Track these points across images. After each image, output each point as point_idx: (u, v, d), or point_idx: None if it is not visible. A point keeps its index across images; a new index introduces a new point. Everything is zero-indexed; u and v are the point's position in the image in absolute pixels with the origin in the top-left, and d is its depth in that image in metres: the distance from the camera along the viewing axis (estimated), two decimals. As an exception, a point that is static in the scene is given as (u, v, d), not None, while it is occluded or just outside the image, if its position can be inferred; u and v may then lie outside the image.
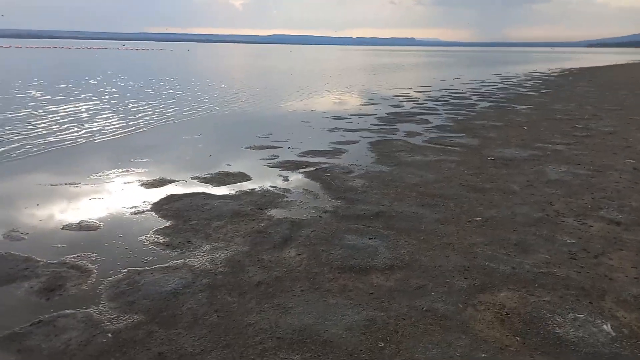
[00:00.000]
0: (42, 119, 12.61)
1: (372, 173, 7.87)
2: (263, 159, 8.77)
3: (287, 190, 6.88)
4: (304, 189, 6.95)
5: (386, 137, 11.08)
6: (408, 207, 6.20)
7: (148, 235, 5.22)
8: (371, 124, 12.89)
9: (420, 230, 5.41)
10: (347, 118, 13.89)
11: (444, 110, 15.97)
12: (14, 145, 9.53)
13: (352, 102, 18.35)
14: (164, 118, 13.47)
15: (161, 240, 5.09)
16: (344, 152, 9.42)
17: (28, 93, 18.51)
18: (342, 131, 11.76)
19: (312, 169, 8.11)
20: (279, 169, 8.09)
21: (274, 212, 5.98)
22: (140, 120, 12.94)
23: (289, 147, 9.77)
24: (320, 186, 7.14)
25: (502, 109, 16.44)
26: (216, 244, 5.04)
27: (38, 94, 18.39)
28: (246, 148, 9.73)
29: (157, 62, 50.62)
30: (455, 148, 9.83)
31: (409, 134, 11.50)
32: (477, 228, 5.51)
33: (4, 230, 5.30)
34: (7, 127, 11.32)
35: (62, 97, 17.42)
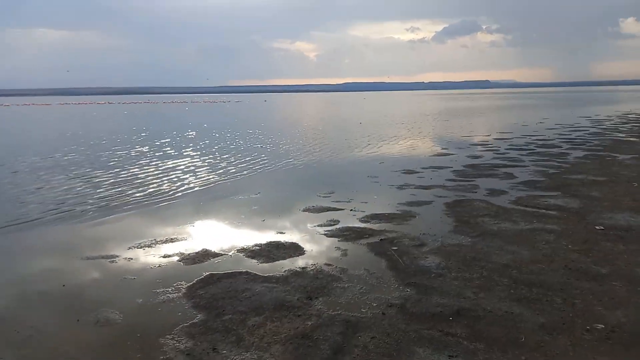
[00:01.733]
0: (102, 177, 12.59)
1: (449, 247, 6.51)
2: (321, 225, 7.72)
3: (344, 271, 5.72)
4: (365, 269, 5.76)
5: (464, 196, 9.64)
6: (499, 302, 4.78)
7: (169, 337, 4.26)
8: (446, 179, 11.50)
9: (520, 344, 3.99)
10: (418, 172, 12.61)
11: (530, 161, 14.18)
12: (70, 202, 9.28)
13: (425, 152, 17.05)
14: (227, 174, 12.99)
15: (182, 347, 4.10)
16: (415, 217, 8.13)
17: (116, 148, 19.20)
18: (413, 188, 10.48)
19: (376, 239, 6.91)
20: (337, 239, 6.97)
21: (326, 305, 4.82)
22: (206, 178, 12.53)
23: (351, 210, 8.66)
24: (386, 264, 5.91)
25: (600, 159, 14.32)
26: (247, 354, 3.96)
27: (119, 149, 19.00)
28: (304, 210, 8.75)
29: (236, 113, 52.49)
30: (552, 212, 8.18)
31: (492, 192, 9.96)
32: (600, 343, 3.98)
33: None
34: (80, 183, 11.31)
35: (144, 153, 17.79)
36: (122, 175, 12.76)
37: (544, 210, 8.29)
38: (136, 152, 17.92)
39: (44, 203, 9.68)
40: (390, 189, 10.52)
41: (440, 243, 6.67)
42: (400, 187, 10.64)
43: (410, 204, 9.04)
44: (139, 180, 12.05)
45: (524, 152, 16.12)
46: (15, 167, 14.48)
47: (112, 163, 15.05)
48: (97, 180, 12.18)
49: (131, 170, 13.52)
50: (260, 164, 14.60)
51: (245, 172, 13.25)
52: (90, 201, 9.80)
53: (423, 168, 13.19)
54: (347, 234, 7.19)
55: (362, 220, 7.94)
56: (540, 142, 18.98)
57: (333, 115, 45.83)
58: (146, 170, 13.54)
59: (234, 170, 13.51)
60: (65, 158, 16.42)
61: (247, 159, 15.74)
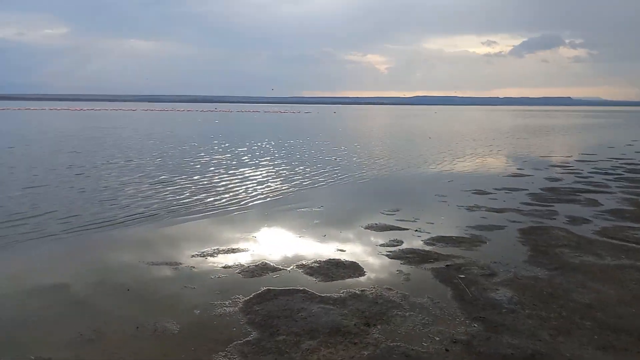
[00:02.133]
0: (179, 185, 13.05)
1: (523, 279, 5.99)
2: (383, 245, 7.43)
3: (405, 297, 5.41)
4: (428, 297, 5.41)
5: (541, 222, 8.92)
6: (580, 348, 4.27)
7: (222, 354, 4.19)
8: (521, 203, 10.76)
9: (605, 403, 3.50)
10: (490, 193, 11.92)
11: (617, 187, 12.97)
12: (155, 207, 9.67)
13: (498, 171, 16.17)
14: (294, 185, 13.02)
15: (233, 366, 4.01)
16: (485, 242, 7.61)
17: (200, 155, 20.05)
18: (484, 211, 9.89)
19: (441, 264, 6.52)
20: (400, 262, 6.66)
21: (384, 334, 4.55)
22: (274, 188, 12.65)
23: (416, 230, 8.30)
24: (451, 294, 5.52)
25: (702, 188, 12.80)
26: (299, 381, 3.79)
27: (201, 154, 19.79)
28: (366, 227, 8.50)
29: (307, 124, 53.24)
30: (644, 247, 7.34)
31: (573, 220, 9.15)
32: None
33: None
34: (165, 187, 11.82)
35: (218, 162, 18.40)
36: (200, 183, 13.12)
37: (633, 245, 7.45)
38: (214, 159, 18.48)
39: (128, 207, 10.15)
40: (459, 210, 9.99)
41: (513, 274, 6.16)
42: (470, 209, 10.08)
43: (481, 228, 8.51)
44: (213, 188, 12.30)
45: (610, 177, 14.80)
46: (109, 168, 15.43)
47: (191, 170, 15.56)
48: (177, 186, 12.60)
49: (208, 178, 13.87)
50: (326, 176, 14.52)
51: (311, 184, 13.21)
52: (164, 206, 10.15)
53: (496, 189, 12.47)
54: (411, 257, 6.86)
55: (427, 243, 7.56)
56: (630, 167, 17.39)
57: (402, 129, 45.12)
58: (221, 179, 13.80)
59: (300, 182, 13.53)
60: (153, 162, 17.26)
61: (314, 170, 15.74)
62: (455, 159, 19.62)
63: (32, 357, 4.12)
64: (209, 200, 10.85)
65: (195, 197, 11.07)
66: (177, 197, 11.04)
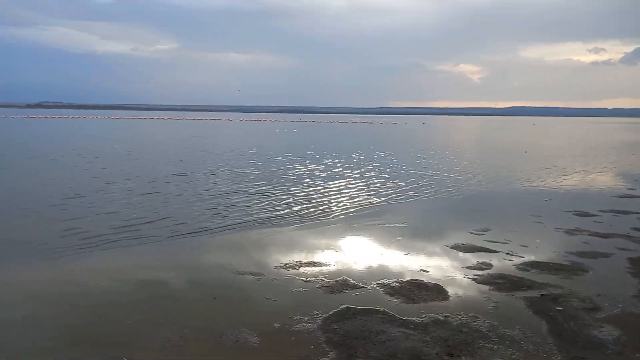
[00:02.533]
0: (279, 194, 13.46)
1: (632, 317, 5.33)
2: (470, 267, 7.04)
3: (494, 328, 5.04)
4: (519, 330, 5.00)
5: (657, 252, 7.93)
6: None
7: (298, 372, 4.19)
8: (632, 228, 9.66)
9: None
10: (595, 215, 10.86)
11: None
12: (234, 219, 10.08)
13: (605, 191, 14.72)
14: (380, 199, 12.87)
15: (309, 385, 3.98)
16: (588, 272, 6.91)
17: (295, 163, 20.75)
18: (587, 235, 9.01)
19: (535, 293, 6.01)
20: (488, 287, 6.25)
21: (468, 367, 4.27)
22: (361, 201, 12.61)
23: (507, 253, 7.76)
24: (547, 328, 5.06)
25: None
26: (374, 410, 3.66)
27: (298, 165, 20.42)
28: (452, 247, 8.12)
29: (395, 135, 52.71)
30: None
31: (697, 251, 8.02)
32: None
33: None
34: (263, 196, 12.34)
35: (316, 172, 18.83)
36: (294, 194, 13.42)
37: None
38: (307, 171, 18.83)
39: (227, 216, 10.68)
40: (557, 233, 9.20)
41: (621, 310, 5.51)
42: (570, 232, 9.25)
43: (582, 254, 7.75)
44: (306, 199, 12.41)
45: None
46: (213, 177, 16.41)
47: (286, 180, 15.98)
48: (273, 197, 13.02)
49: (301, 189, 14.13)
50: (413, 191, 14.16)
51: (397, 198, 12.96)
52: (258, 216, 10.51)
53: (601, 211, 11.33)
54: (501, 283, 6.41)
55: (519, 268, 7.03)
56: None
57: (496, 142, 42.94)
58: (315, 190, 13.97)
59: (386, 195, 13.32)
60: (254, 173, 18.07)
61: (401, 183, 15.46)
62: (554, 175, 18.21)
63: (125, 359, 4.41)
64: (301, 211, 10.98)
65: (288, 208, 11.23)
66: (273, 208, 11.31)
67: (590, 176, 18.28)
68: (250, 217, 10.28)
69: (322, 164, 20.87)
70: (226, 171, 17.95)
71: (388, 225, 9.79)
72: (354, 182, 15.82)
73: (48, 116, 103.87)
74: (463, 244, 8.26)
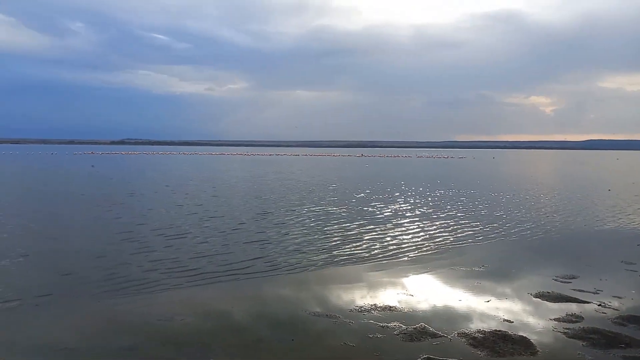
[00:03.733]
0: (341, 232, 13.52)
1: None
2: (558, 320, 6.63)
3: (591, 389, 4.69)
4: (620, 393, 4.62)
5: None
6: None
7: None
8: None
9: None
10: (698, 263, 9.88)
11: None
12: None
13: None
14: (457, 239, 12.53)
15: None
16: (696, 329, 6.27)
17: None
18: (691, 287, 8.20)
19: (636, 352, 5.54)
20: (580, 342, 5.84)
21: None
22: (437, 241, 12.36)
23: (599, 304, 7.24)
24: (651, 393, 4.63)
25: None
26: None
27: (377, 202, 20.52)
28: (536, 295, 7.70)
29: (467, 170, 51.40)
30: None
31: None
32: None
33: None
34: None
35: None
36: (369, 231, 13.51)
37: None
38: (383, 208, 18.84)
39: (305, 254, 10.91)
40: (656, 284, 8.45)
41: None
42: (671, 283, 8.46)
43: (687, 309, 7.06)
44: (381, 238, 12.46)
45: None
46: (290, 215, 16.87)
47: (365, 218, 16.10)
48: (349, 236, 13.16)
49: (377, 227, 14.19)
50: (491, 230, 13.64)
51: (473, 239, 12.54)
52: (331, 253, 10.62)
53: None
54: (595, 338, 5.98)
55: (615, 322, 6.53)
56: None
57: (575, 177, 40.55)
58: (390, 227, 13.98)
59: (462, 235, 12.94)
60: (331, 210, 18.37)
61: (478, 222, 14.96)
62: (646, 216, 16.81)
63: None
64: (377, 251, 10.93)
65: (367, 248, 11.24)
66: (350, 246, 11.38)
67: (687, 218, 16.70)
68: (325, 256, 10.36)
69: (396, 202, 20.69)
70: (305, 210, 18.30)
71: (466, 268, 9.48)
72: (428, 220, 15.51)
73: (130, 152, 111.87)
74: (549, 293, 7.82)
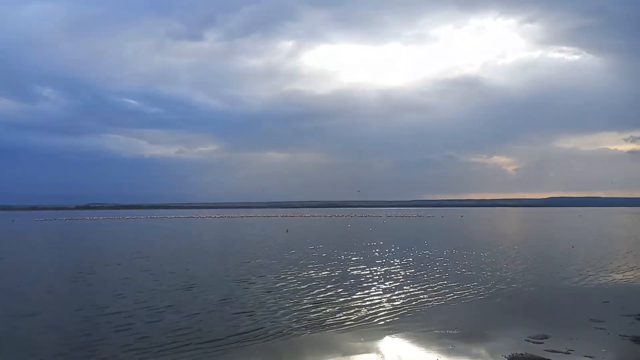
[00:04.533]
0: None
1: None
2: (534, 382, 6.63)
3: None
4: None
5: None
6: None
7: None
8: None
9: None
10: (661, 319, 10.16)
11: None
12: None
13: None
14: (431, 300, 12.54)
15: None
16: (665, 387, 6.39)
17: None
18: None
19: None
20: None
21: None
22: (405, 302, 12.33)
23: (572, 365, 7.31)
24: None
25: None
26: None
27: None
28: (510, 358, 7.74)
29: (432, 229, 52.01)
30: None
31: None
32: None
33: None
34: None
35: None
36: (339, 296, 13.35)
37: None
38: (354, 270, 18.71)
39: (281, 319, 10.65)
40: (623, 342, 8.64)
41: None
42: (638, 340, 8.66)
43: (655, 366, 7.21)
44: (353, 301, 12.36)
45: None
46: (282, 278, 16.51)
47: (338, 282, 15.93)
48: (320, 301, 12.95)
49: (347, 291, 14.05)
50: (461, 289, 13.73)
51: (446, 299, 12.56)
52: (294, 323, 10.41)
53: (667, 314, 10.62)
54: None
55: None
56: None
57: (541, 235, 41.65)
58: (361, 290, 13.88)
59: (436, 296, 12.94)
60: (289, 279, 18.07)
61: (449, 282, 15.02)
62: (607, 272, 17.35)
63: None
64: (349, 314, 10.82)
65: (340, 311, 11.13)
66: (321, 311, 11.24)
67: (648, 273, 17.29)
68: (300, 322, 10.17)
69: (373, 263, 20.63)
70: (275, 276, 18.02)
71: (440, 331, 9.47)
72: (402, 281, 15.49)
73: (94, 217, 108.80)
74: (522, 354, 7.87)
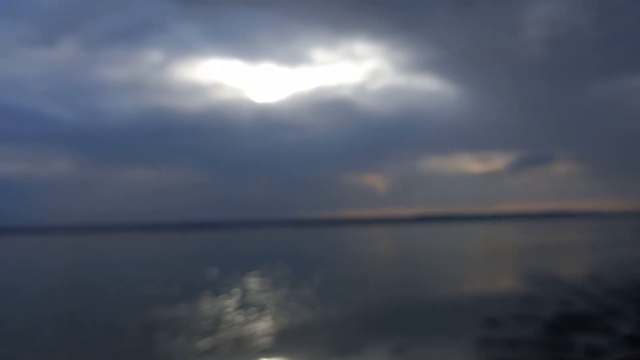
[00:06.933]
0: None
1: None
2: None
3: None
4: None
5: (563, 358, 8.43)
6: None
7: None
8: (535, 333, 10.25)
9: None
10: (501, 322, 11.41)
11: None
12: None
13: (505, 293, 15.64)
14: (300, 322, 12.55)
15: None
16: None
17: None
18: (497, 347, 9.40)
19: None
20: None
21: None
22: (280, 328, 12.16)
23: None
24: None
25: None
26: None
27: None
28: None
29: (307, 247, 52.76)
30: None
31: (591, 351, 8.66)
32: None
33: None
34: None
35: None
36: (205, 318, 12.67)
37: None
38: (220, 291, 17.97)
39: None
40: (474, 346, 9.52)
41: None
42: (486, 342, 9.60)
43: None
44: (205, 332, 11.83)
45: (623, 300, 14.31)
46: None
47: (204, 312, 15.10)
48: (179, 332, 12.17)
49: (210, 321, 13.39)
50: (333, 309, 14.04)
51: (314, 320, 12.73)
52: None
53: (507, 315, 12.01)
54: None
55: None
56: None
57: (404, 248, 44.75)
58: (222, 317, 13.37)
59: (306, 316, 13.04)
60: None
61: (320, 301, 15.25)
62: (456, 282, 19.16)
63: None
64: (208, 345, 10.37)
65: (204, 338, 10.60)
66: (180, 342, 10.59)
67: (492, 280, 19.40)
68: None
69: (232, 285, 20.15)
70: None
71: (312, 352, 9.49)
72: (270, 305, 15.37)
73: None
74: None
